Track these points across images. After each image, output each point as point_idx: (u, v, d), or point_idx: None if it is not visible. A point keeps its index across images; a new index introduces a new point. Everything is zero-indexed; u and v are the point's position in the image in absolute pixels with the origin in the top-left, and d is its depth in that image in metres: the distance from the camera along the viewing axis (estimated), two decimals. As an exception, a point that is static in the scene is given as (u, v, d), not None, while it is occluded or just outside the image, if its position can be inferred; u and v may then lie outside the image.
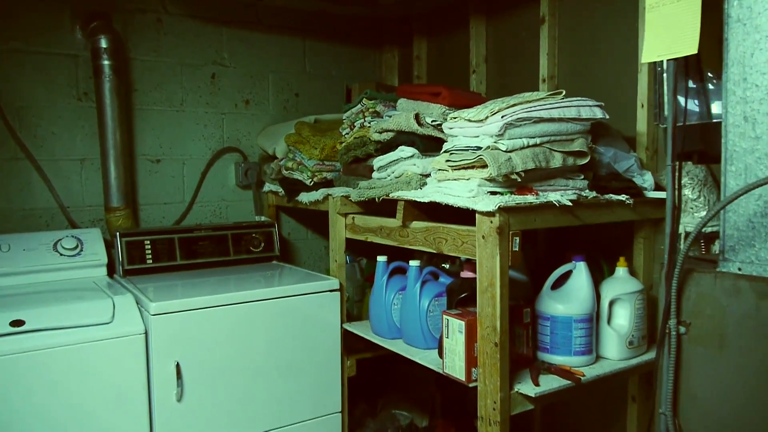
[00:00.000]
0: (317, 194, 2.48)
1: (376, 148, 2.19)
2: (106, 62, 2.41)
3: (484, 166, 1.67)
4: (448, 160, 1.77)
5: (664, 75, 1.68)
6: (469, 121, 1.75)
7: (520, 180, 1.68)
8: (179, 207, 2.77)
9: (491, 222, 1.63)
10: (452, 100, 1.94)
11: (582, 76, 2.33)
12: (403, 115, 1.99)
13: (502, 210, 1.61)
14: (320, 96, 3.15)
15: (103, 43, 2.40)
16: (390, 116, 2.14)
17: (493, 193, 1.70)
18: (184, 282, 2.33)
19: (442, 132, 1.96)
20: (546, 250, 2.41)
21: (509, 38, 2.62)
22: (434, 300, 2.04)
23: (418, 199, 1.88)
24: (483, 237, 1.66)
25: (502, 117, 1.66)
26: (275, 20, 2.98)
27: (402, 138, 2.04)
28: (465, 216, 1.72)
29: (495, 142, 1.69)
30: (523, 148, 1.70)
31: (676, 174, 1.46)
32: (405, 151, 2.00)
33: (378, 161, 2.15)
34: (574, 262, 1.92)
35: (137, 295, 2.06)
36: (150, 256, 2.45)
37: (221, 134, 2.86)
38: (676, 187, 1.46)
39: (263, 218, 2.91)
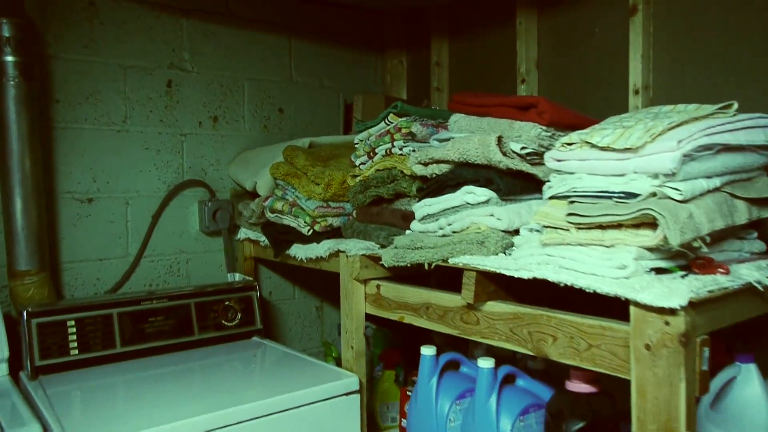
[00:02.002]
0: (320, 249, 1.76)
1: (419, 187, 1.48)
2: (9, 59, 1.64)
3: (648, 225, 0.99)
4: (572, 214, 1.08)
5: None
6: (606, 149, 1.06)
7: (705, 248, 1.00)
8: (120, 264, 1.99)
9: (667, 324, 0.94)
10: (554, 116, 1.25)
11: (688, 88, 1.69)
12: (473, 138, 1.28)
13: (690, 305, 0.92)
14: (310, 112, 2.43)
15: (6, 31, 1.63)
16: (443, 140, 1.44)
17: (658, 270, 1.01)
18: (128, 387, 1.56)
19: (537, 165, 1.28)
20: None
21: (573, 36, 1.97)
22: (519, 420, 1.33)
23: (505, 272, 1.19)
24: (649, 347, 0.97)
25: (678, 143, 0.98)
26: (253, 12, 2.26)
27: (466, 173, 1.34)
28: (578, 297, 1.05)
29: (661, 185, 1.01)
30: (702, 194, 1.03)
31: None
32: (475, 193, 1.30)
33: (423, 207, 1.44)
34: (738, 363, 1.26)
35: (47, 423, 1.28)
36: (75, 344, 1.66)
37: (180, 162, 2.11)
38: None
39: (239, 276, 2.15)
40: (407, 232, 1.56)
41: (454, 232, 1.37)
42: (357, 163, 1.77)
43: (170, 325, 1.83)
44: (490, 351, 1.63)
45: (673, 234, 0.93)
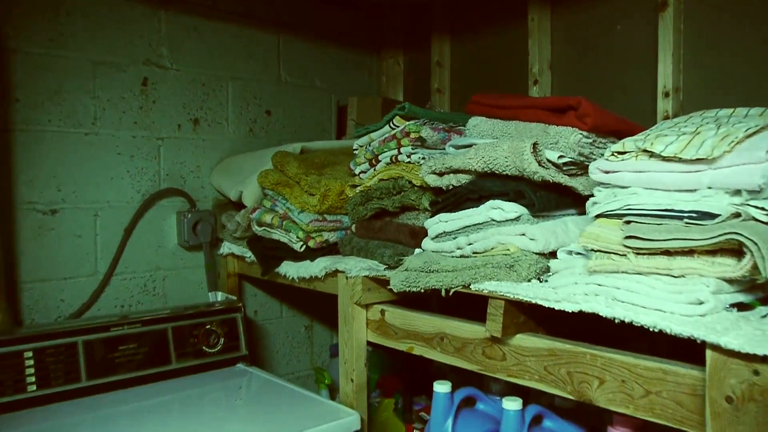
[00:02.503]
0: (315, 268, 1.56)
1: (433, 200, 1.30)
2: (-43, 50, 1.42)
3: (727, 252, 0.81)
4: (632, 237, 0.90)
5: None
6: (670, 159, 0.89)
7: (792, 280, 0.83)
8: (88, 284, 1.78)
9: (757, 374, 0.77)
10: (597, 120, 1.08)
11: (722, 91, 1.54)
12: (502, 145, 1.10)
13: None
14: (300, 115, 2.24)
15: (-47, 18, 1.42)
16: (461, 147, 1.26)
17: (741, 307, 0.84)
18: (95, 427, 1.35)
19: (574, 176, 1.10)
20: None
21: (591, 34, 1.81)
22: (553, 473, 1.15)
23: (544, 304, 1.01)
24: (731, 400, 0.80)
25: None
26: (239, 5, 2.06)
27: (492, 185, 1.16)
28: (619, 331, 0.89)
29: (744, 204, 0.83)
30: (789, 214, 0.86)
31: None
32: (503, 209, 1.12)
33: (438, 223, 1.26)
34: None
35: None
36: (33, 379, 1.45)
37: (156, 169, 1.90)
38: None
39: (221, 296, 1.95)
40: (416, 251, 1.38)
41: (475, 253, 1.18)
42: (357, 171, 1.58)
43: (144, 354, 1.62)
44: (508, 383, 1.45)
45: (766, 263, 0.76)
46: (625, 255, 0.92)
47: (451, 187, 1.24)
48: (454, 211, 1.23)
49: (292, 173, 1.65)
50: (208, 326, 1.75)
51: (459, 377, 1.47)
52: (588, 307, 0.94)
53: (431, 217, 1.29)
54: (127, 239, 1.84)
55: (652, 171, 0.92)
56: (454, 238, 1.22)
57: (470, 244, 1.19)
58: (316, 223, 1.58)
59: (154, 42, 1.88)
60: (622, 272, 0.92)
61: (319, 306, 2.25)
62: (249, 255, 1.83)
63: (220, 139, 2.03)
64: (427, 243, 1.30)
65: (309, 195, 1.60)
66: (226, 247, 1.96)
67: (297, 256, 1.65)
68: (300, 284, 1.65)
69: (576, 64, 1.84)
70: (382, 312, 1.42)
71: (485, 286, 1.11)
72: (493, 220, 1.14)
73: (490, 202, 1.14)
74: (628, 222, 0.93)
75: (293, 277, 1.64)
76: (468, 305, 1.23)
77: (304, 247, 1.63)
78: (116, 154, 1.81)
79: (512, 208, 1.11)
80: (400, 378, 1.83)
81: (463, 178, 1.21)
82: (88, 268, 1.77)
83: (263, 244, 1.74)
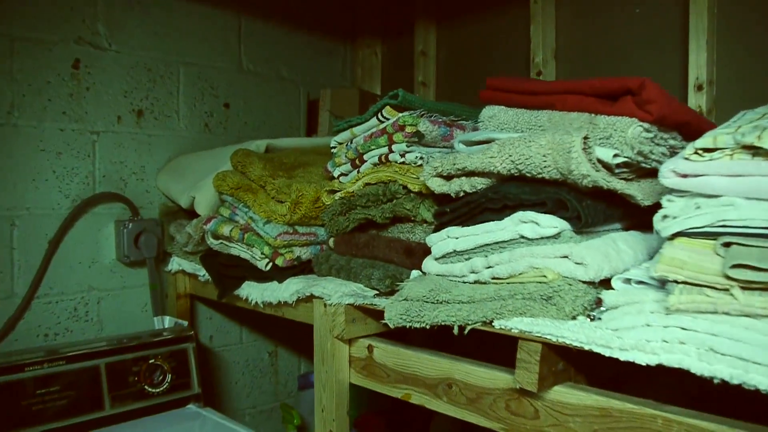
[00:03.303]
0: (284, 291, 1.29)
1: (439, 210, 1.03)
2: None
3: None
4: (739, 266, 0.65)
5: None
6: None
7: None
8: (3, 308, 1.45)
9: None
10: (665, 107, 0.82)
11: (760, 84, 1.32)
12: (538, 140, 0.83)
13: None
14: (264, 109, 1.94)
15: None
16: (474, 143, 0.99)
17: None
18: None
19: (630, 180, 0.85)
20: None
21: (603, 19, 1.57)
22: None
23: (604, 353, 0.75)
24: None
25: None
26: (191, -22, 1.76)
27: (519, 192, 0.89)
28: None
29: None
30: None
31: None
32: (538, 223, 0.86)
33: (445, 240, 0.99)
34: None
35: None
36: None
37: (90, 170, 1.58)
38: None
39: (169, 321, 1.64)
40: (413, 273, 1.11)
41: (496, 279, 0.92)
42: (335, 173, 1.30)
43: (70, 399, 1.30)
44: None
45: None
46: (726, 290, 0.66)
47: (462, 194, 0.97)
48: (467, 225, 0.96)
49: (256, 175, 1.37)
50: (152, 360, 1.44)
51: (466, 426, 1.20)
52: (673, 361, 0.68)
53: (435, 231, 1.02)
54: (53, 254, 1.51)
55: (759, 175, 0.67)
56: (467, 259, 0.96)
57: (489, 267, 0.92)
58: (286, 237, 1.30)
59: (89, 17, 1.57)
60: (723, 313, 0.67)
61: (284, 328, 1.96)
62: (203, 273, 1.53)
63: (169, 134, 1.72)
64: (429, 264, 1.03)
65: (277, 202, 1.32)
66: (176, 263, 1.65)
67: (262, 276, 1.36)
68: (266, 310, 1.36)
69: (585, 53, 1.61)
70: (370, 348, 1.14)
71: (514, 324, 0.85)
72: (523, 238, 0.88)
73: (519, 214, 0.88)
74: (727, 244, 0.68)
75: (257, 301, 1.35)
76: (468, 339, 0.96)
77: (270, 265, 1.34)
78: (39, 150, 1.49)
79: (550, 222, 0.85)
80: (384, 417, 1.56)
81: (480, 183, 0.94)
82: (3, 289, 1.44)
83: (220, 260, 1.44)
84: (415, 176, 1.12)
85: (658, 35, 1.45)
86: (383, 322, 1.01)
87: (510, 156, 0.87)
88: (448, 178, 1.00)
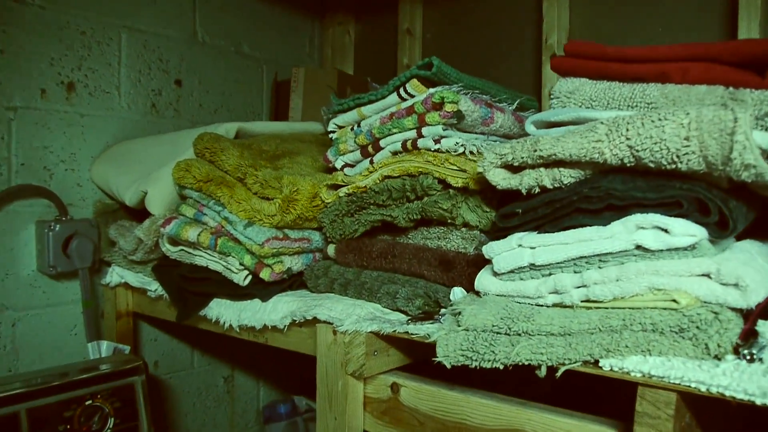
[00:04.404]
0: (270, 313, 1.02)
1: (506, 211, 0.78)
2: None
3: None
4: None
5: None
6: None
7: None
8: None
9: None
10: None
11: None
12: (676, 116, 0.61)
13: None
14: (223, 89, 1.64)
15: None
16: (550, 125, 0.76)
17: None
18: None
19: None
20: None
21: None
22: None
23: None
24: None
25: None
26: (137, -75, 1.44)
27: (629, 188, 0.67)
28: None
29: None
30: None
31: None
32: (671, 229, 0.63)
33: (513, 248, 0.75)
34: None
35: None
36: None
37: (5, 156, 1.24)
38: None
39: (108, 347, 1.31)
40: (455, 291, 0.86)
41: (590, 301, 0.69)
42: (338, 164, 1.04)
43: (-24, 461, 0.97)
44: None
45: None
46: None
47: (537, 189, 0.74)
48: (548, 231, 0.73)
49: (231, 165, 1.08)
50: (89, 401, 1.12)
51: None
52: None
53: (495, 237, 0.78)
54: (-48, 264, 1.16)
55: None
56: (548, 275, 0.73)
57: (583, 286, 0.69)
58: (275, 243, 1.02)
59: (4, -41, 1.22)
60: None
61: (242, 348, 1.66)
62: (155, 288, 1.22)
63: (108, 115, 1.39)
64: (486, 281, 0.79)
65: (262, 199, 1.04)
66: (116, 275, 1.32)
67: (237, 293, 1.07)
68: (245, 336, 1.08)
69: (605, 33, 1.42)
70: (395, 387, 0.88)
71: (634, 366, 0.63)
72: (641, 249, 0.65)
73: (637, 218, 0.65)
74: None
75: (232, 324, 1.07)
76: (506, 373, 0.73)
77: (250, 278, 1.06)
78: (-66, 128, 1.14)
79: (686, 229, 0.63)
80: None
81: (568, 176, 0.71)
82: None
83: (181, 272, 1.14)
84: (456, 167, 0.88)
85: (693, 11, 1.28)
86: (440, 357, 0.75)
87: (628, 140, 0.64)
88: (517, 169, 0.77)
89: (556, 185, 0.73)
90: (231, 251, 1.04)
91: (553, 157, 0.71)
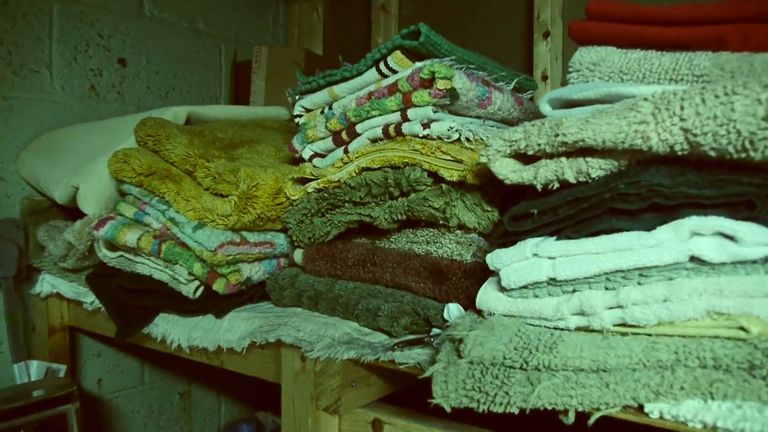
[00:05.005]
0: (226, 332, 0.86)
1: (517, 211, 0.63)
2: None
3: None
4: None
5: None
6: None
7: None
8: None
9: None
10: None
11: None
12: (758, 88, 0.47)
13: None
14: (175, 71, 1.46)
15: None
16: (572, 104, 0.61)
17: None
18: None
19: None
20: None
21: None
22: None
23: None
24: None
25: None
26: None
27: (678, 183, 0.52)
28: None
29: None
30: None
31: None
32: (739, 237, 0.49)
33: (526, 258, 0.60)
34: None
35: None
36: None
37: None
38: None
39: (39, 369, 1.12)
40: (450, 308, 0.71)
41: (629, 326, 0.55)
42: (305, 154, 0.88)
43: None
44: None
45: None
46: None
47: (555, 185, 0.59)
48: (567, 236, 0.58)
49: (178, 156, 0.90)
50: (9, 438, 0.94)
51: None
52: None
53: (501, 244, 0.63)
54: None
55: None
56: (572, 291, 0.58)
57: (618, 307, 0.55)
58: (230, 249, 0.85)
59: None
60: None
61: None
62: (91, 299, 1.04)
63: (37, 98, 1.20)
64: (492, 298, 0.64)
65: (215, 196, 0.87)
66: (47, 284, 1.14)
67: (187, 307, 0.91)
68: (197, 357, 0.91)
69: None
70: (377, 425, 0.73)
71: (691, 414, 0.49)
72: (696, 260, 0.51)
73: (693, 221, 0.51)
74: None
75: (181, 344, 0.90)
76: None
77: (201, 290, 0.89)
78: None
79: (760, 237, 0.48)
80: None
81: (597, 167, 0.56)
82: None
83: (119, 283, 0.96)
84: (449, 157, 0.72)
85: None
86: (397, 382, 0.60)
87: (683, 121, 0.50)
88: (531, 159, 0.61)
89: (581, 179, 0.58)
90: (178, 258, 0.87)
91: (581, 143, 0.55)
